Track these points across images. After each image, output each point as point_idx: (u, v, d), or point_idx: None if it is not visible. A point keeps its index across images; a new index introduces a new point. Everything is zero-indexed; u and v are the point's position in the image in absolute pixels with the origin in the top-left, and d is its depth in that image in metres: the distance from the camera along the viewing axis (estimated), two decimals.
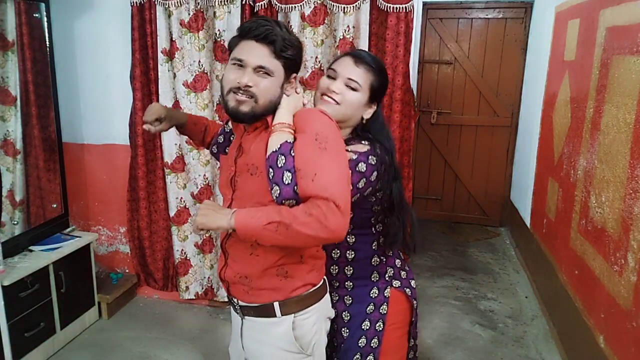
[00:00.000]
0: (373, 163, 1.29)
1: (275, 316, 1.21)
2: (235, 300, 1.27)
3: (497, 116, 4.16)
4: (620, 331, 1.78)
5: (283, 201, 1.09)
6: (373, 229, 1.41)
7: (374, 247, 1.42)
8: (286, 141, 1.13)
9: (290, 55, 1.17)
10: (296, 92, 1.26)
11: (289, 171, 1.09)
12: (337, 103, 1.32)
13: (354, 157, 1.27)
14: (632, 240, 1.73)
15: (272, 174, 1.11)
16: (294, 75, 1.23)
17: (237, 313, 1.30)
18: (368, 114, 1.38)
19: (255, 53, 1.14)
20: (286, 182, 1.09)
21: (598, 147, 2.12)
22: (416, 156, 4.26)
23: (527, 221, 3.40)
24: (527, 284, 3.18)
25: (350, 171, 1.23)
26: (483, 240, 4.03)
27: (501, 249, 3.84)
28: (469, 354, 2.46)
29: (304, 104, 1.27)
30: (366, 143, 1.33)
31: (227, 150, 1.39)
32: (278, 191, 1.09)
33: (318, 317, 1.26)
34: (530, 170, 3.36)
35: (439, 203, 4.49)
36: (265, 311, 1.22)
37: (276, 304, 1.21)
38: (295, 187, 1.08)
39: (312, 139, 1.11)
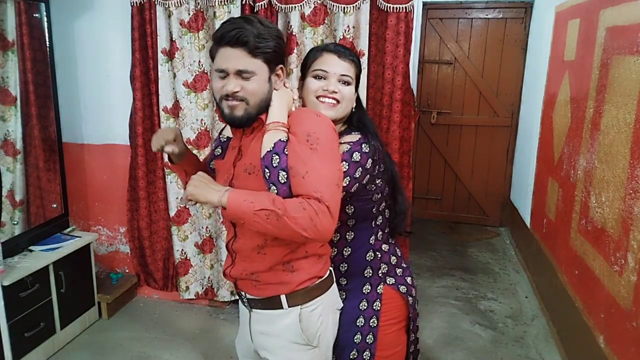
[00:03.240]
0: (367, 151, 1.30)
1: (282, 308, 1.24)
2: (243, 293, 1.30)
3: (497, 116, 4.16)
4: (620, 331, 1.78)
5: None
6: (373, 222, 1.42)
7: (371, 242, 1.43)
8: (280, 140, 1.14)
9: (268, 50, 1.15)
10: (285, 85, 1.26)
11: (284, 170, 1.11)
12: (338, 102, 1.34)
13: (347, 147, 1.29)
14: (632, 240, 1.73)
15: (268, 173, 1.13)
16: (280, 66, 1.22)
17: (245, 306, 1.33)
18: (354, 102, 1.42)
19: (232, 59, 1.13)
20: (282, 182, 1.11)
21: (598, 147, 2.12)
22: (416, 156, 4.26)
23: (527, 221, 3.40)
24: (527, 284, 3.18)
25: (347, 163, 1.26)
26: (483, 240, 4.03)
27: (501, 249, 3.84)
28: (469, 354, 2.46)
29: (294, 99, 1.27)
30: (356, 133, 1.35)
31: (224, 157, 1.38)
32: (275, 191, 1.11)
33: (324, 308, 1.27)
34: (530, 170, 3.36)
35: (439, 203, 4.49)
36: (272, 303, 1.25)
37: (283, 297, 1.23)
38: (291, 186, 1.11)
39: (303, 140, 1.13)
